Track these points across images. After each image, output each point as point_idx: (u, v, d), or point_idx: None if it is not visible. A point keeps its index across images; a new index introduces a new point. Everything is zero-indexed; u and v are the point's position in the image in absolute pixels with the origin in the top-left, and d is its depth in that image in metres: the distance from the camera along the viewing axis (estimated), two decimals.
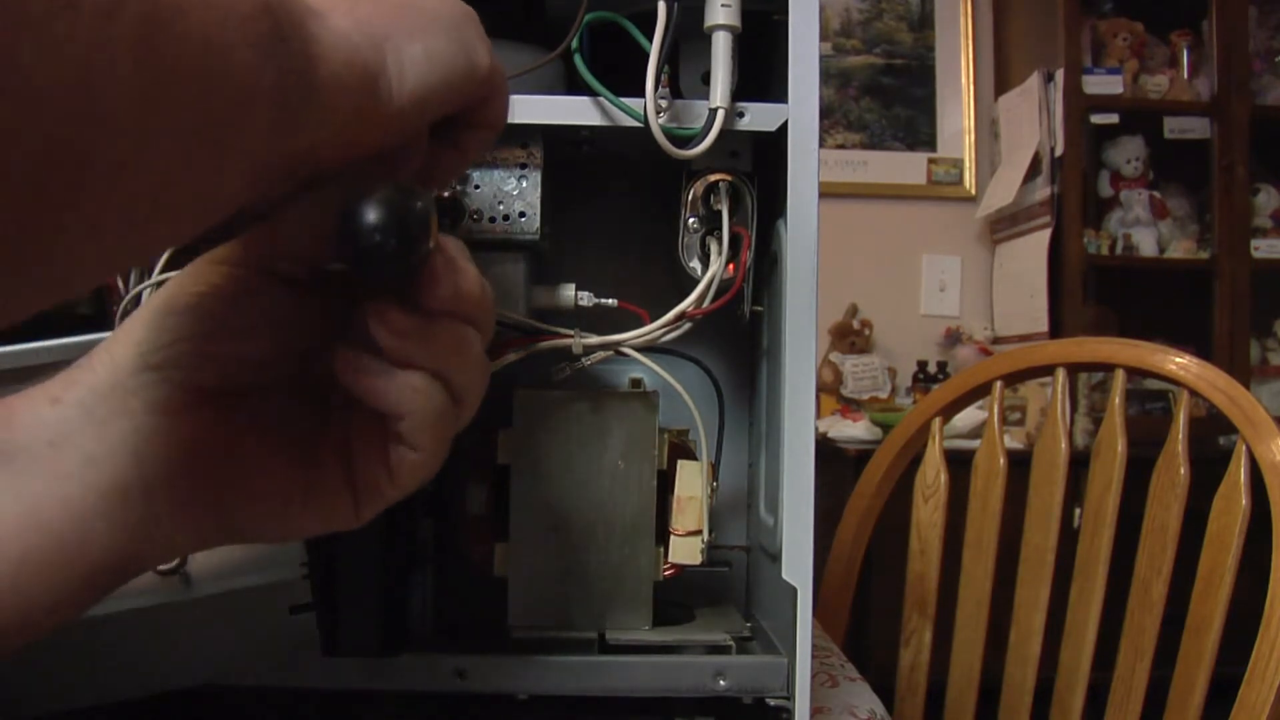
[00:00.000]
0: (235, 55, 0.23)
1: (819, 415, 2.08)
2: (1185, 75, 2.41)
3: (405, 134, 0.32)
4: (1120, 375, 0.95)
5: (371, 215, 0.27)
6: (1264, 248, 2.35)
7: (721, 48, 0.50)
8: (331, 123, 0.28)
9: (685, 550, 0.54)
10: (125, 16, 0.20)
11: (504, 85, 0.37)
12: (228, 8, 0.23)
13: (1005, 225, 2.55)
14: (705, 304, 0.53)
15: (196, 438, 0.32)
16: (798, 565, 0.50)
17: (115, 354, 0.32)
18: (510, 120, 0.51)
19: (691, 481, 0.54)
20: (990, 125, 2.64)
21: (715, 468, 0.57)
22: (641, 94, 0.48)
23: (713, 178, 0.54)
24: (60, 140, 0.19)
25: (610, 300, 0.56)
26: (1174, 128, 2.38)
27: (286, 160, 0.27)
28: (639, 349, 0.53)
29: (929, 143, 2.66)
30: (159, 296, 0.32)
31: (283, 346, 0.33)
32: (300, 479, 0.34)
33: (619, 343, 0.52)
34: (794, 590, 0.49)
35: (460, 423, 0.34)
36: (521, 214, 0.53)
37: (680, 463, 0.55)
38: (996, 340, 2.54)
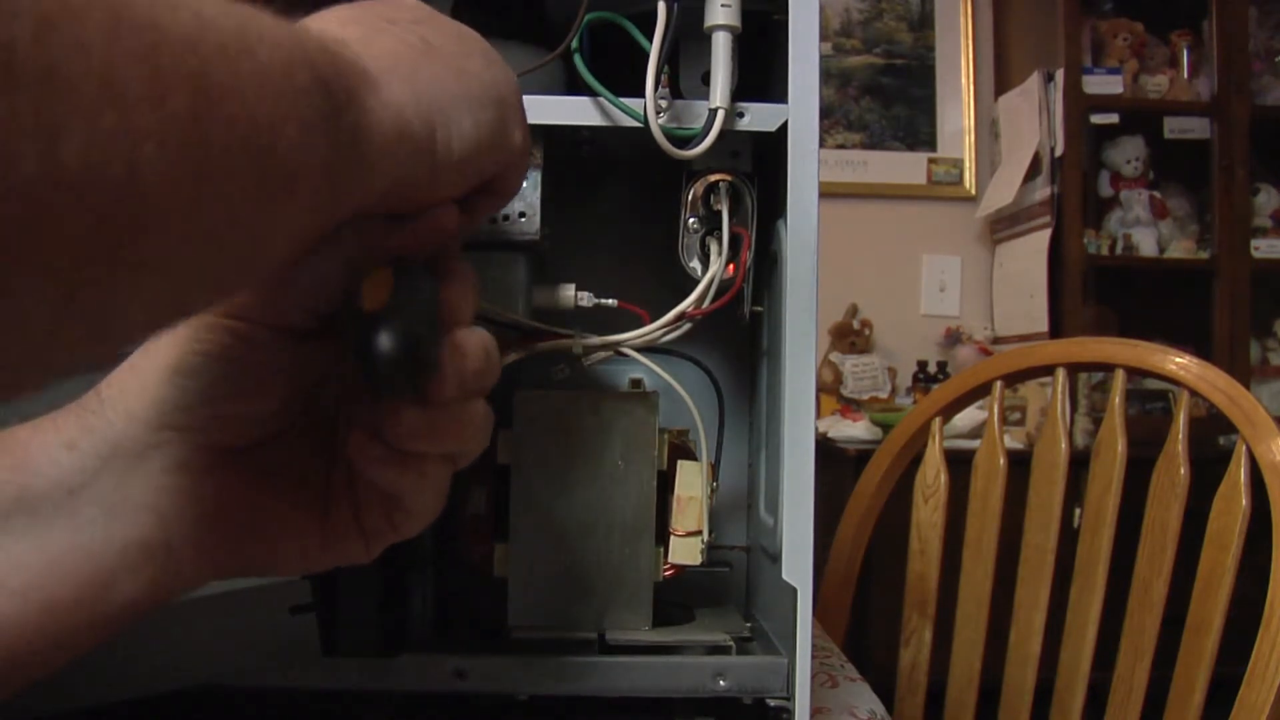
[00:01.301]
0: (285, 132, 0.23)
1: (819, 415, 2.08)
2: (1185, 75, 2.41)
3: (441, 199, 0.33)
4: (1120, 375, 0.95)
5: (386, 345, 0.28)
6: (1264, 248, 2.35)
7: (721, 48, 0.50)
8: (377, 191, 0.29)
9: (685, 550, 0.54)
10: (173, 106, 0.20)
11: (527, 157, 0.38)
12: (280, 85, 0.23)
13: (1005, 225, 2.55)
14: (705, 304, 0.53)
15: (217, 495, 0.32)
16: (798, 565, 0.50)
17: (132, 408, 0.32)
18: None
19: (691, 482, 0.54)
20: (990, 125, 2.64)
21: (715, 468, 0.57)
22: (641, 94, 0.48)
23: (713, 178, 0.54)
24: (106, 218, 0.19)
25: (610, 300, 0.56)
26: (1174, 128, 2.38)
27: (330, 224, 0.27)
28: (639, 349, 0.53)
29: (929, 143, 2.66)
30: (170, 352, 0.32)
31: (294, 393, 0.34)
32: (317, 525, 0.35)
33: (619, 343, 0.52)
34: (794, 590, 0.49)
35: (461, 467, 0.36)
36: (521, 214, 0.53)
37: (680, 463, 0.55)
38: (996, 340, 2.54)
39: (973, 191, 2.64)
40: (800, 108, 0.50)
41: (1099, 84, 2.34)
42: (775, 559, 0.53)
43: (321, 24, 0.31)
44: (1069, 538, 0.97)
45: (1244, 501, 0.83)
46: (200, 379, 0.32)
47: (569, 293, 0.56)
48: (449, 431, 0.32)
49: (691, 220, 0.55)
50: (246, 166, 0.22)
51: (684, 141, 0.50)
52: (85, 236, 0.19)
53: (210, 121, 0.21)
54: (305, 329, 0.33)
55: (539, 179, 0.53)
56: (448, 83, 0.32)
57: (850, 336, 2.52)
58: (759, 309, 0.58)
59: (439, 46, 0.33)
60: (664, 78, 0.49)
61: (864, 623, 1.87)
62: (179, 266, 0.22)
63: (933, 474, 1.05)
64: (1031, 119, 2.41)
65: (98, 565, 0.30)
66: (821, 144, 0.51)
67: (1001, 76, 2.63)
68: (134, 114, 0.19)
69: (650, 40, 0.49)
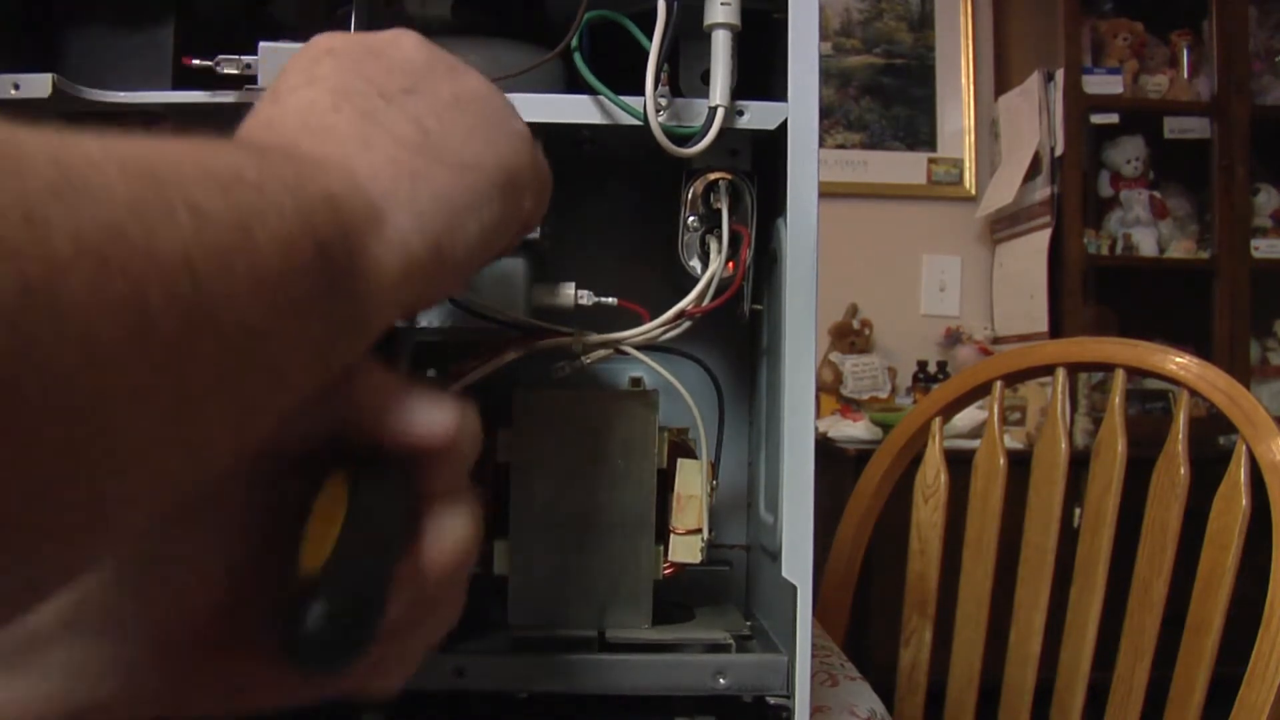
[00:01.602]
0: (279, 327, 0.23)
1: (819, 415, 2.08)
2: (1185, 75, 2.41)
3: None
4: (1120, 375, 0.95)
5: (313, 626, 0.24)
6: (1264, 248, 2.35)
7: (721, 46, 0.50)
8: (375, 336, 0.28)
9: (685, 549, 0.54)
10: (159, 336, 0.20)
11: (543, 206, 0.37)
12: (278, 275, 0.23)
13: (1005, 225, 2.55)
14: (705, 302, 0.53)
15: (180, 667, 0.29)
16: (798, 564, 0.50)
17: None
18: None
19: (691, 480, 0.54)
20: (990, 125, 2.64)
21: (715, 466, 0.57)
22: (641, 92, 0.48)
23: (712, 176, 0.54)
24: (86, 425, 0.19)
25: (610, 299, 0.56)
26: (1174, 128, 2.38)
27: (315, 389, 0.26)
28: (639, 348, 0.53)
29: (929, 143, 2.66)
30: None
31: (241, 554, 0.30)
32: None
33: (619, 341, 0.52)
34: (794, 589, 0.49)
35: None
36: None
37: (680, 461, 0.55)
38: (996, 340, 2.54)
39: (973, 191, 2.64)
40: (800, 106, 0.50)
41: (1099, 84, 2.34)
42: (775, 557, 0.53)
43: (310, 107, 0.30)
44: (1069, 538, 0.97)
45: (1244, 501, 0.83)
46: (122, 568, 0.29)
47: (569, 291, 0.56)
48: (407, 657, 0.31)
49: (691, 218, 0.55)
50: (233, 372, 0.22)
51: (684, 140, 0.50)
52: (64, 446, 0.18)
53: (198, 341, 0.20)
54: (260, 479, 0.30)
55: None
56: (452, 190, 0.30)
57: (850, 336, 2.52)
58: (759, 307, 0.58)
59: (438, 135, 0.31)
60: (664, 76, 0.49)
61: (864, 623, 1.87)
62: (164, 458, 0.21)
63: (933, 474, 1.05)
64: (1031, 119, 2.41)
65: (67, 709, 0.29)
66: (821, 144, 0.51)
67: (1001, 76, 2.63)
68: (111, 366, 0.19)
69: (650, 38, 0.49)
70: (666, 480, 0.55)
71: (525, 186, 0.35)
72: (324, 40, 0.33)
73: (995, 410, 1.03)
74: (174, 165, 0.21)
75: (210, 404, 0.22)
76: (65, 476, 0.19)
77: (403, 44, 0.33)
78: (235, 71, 0.49)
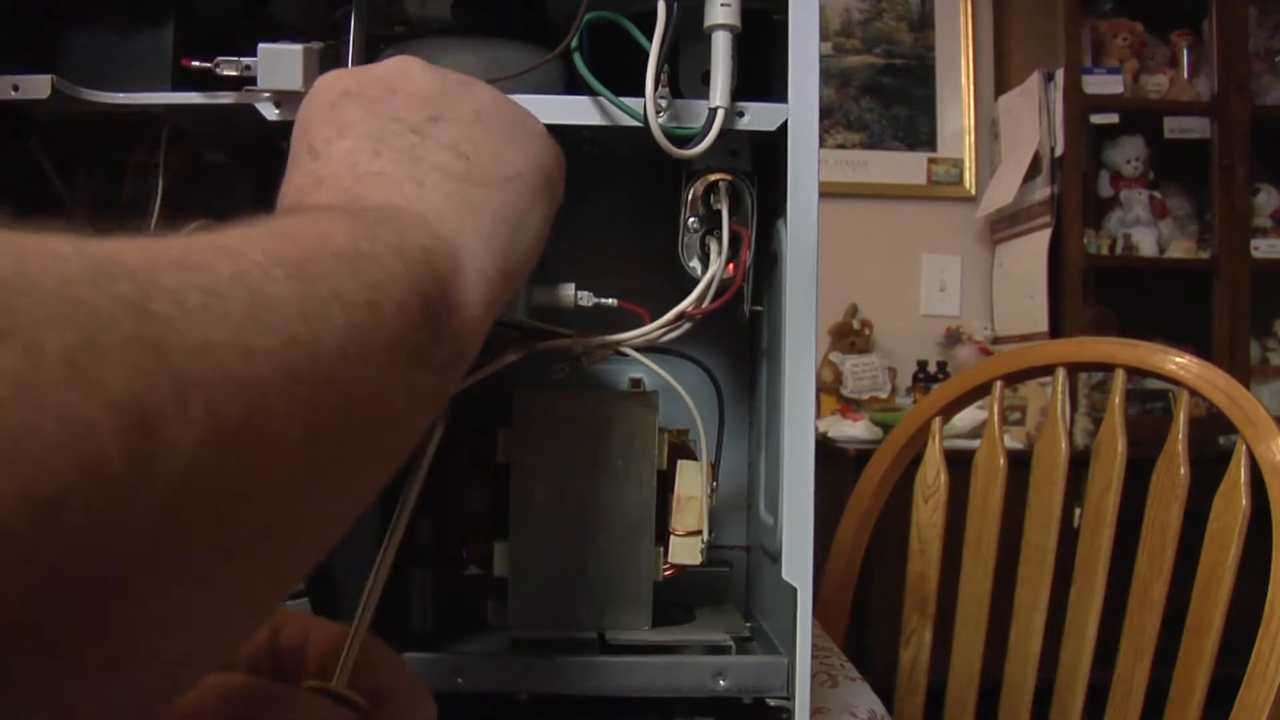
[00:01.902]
0: (404, 382, 0.24)
1: (819, 415, 2.08)
2: (1185, 75, 2.41)
3: None
4: (1120, 375, 0.95)
5: None
6: (1264, 248, 2.35)
7: (721, 47, 0.50)
8: (472, 360, 0.30)
9: (685, 550, 0.54)
10: (326, 425, 0.21)
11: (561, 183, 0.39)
12: (399, 341, 0.24)
13: (1005, 225, 2.55)
14: (705, 304, 0.53)
15: None
16: (798, 565, 0.50)
17: None
18: None
19: (691, 481, 0.54)
20: (990, 125, 2.64)
21: (715, 468, 0.57)
22: (641, 94, 0.48)
23: (712, 177, 0.54)
24: (271, 520, 0.21)
25: (610, 300, 0.56)
26: (1174, 128, 2.38)
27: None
28: (639, 349, 0.53)
29: (929, 143, 2.66)
30: None
31: None
32: None
33: (619, 342, 0.52)
34: (794, 590, 0.49)
35: None
36: None
37: (680, 463, 0.55)
38: (996, 340, 2.54)
39: (973, 191, 2.64)
40: (800, 107, 0.50)
41: (1099, 84, 2.34)
42: (775, 559, 0.53)
43: (353, 157, 0.31)
44: (1069, 538, 0.97)
45: (1244, 501, 0.83)
46: None
47: (569, 292, 0.56)
48: None
49: (691, 219, 0.55)
50: (375, 439, 0.24)
51: (684, 141, 0.50)
52: (210, 543, 0.20)
53: (352, 423, 0.22)
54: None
55: None
56: (506, 207, 0.32)
57: (850, 336, 2.52)
58: (759, 308, 0.58)
59: (476, 157, 0.33)
60: (664, 77, 0.49)
61: (864, 623, 1.87)
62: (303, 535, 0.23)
63: (933, 474, 1.05)
64: (1031, 119, 2.41)
65: None
66: (821, 144, 0.51)
67: (1001, 76, 2.63)
68: (292, 464, 0.21)
69: (650, 39, 0.49)
70: (666, 481, 0.55)
71: (558, 174, 0.37)
72: (334, 82, 0.34)
73: (995, 410, 1.03)
74: (315, 254, 0.23)
75: (363, 473, 0.24)
76: (263, 560, 0.21)
77: (411, 74, 0.34)
78: (235, 73, 0.49)
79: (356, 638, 0.33)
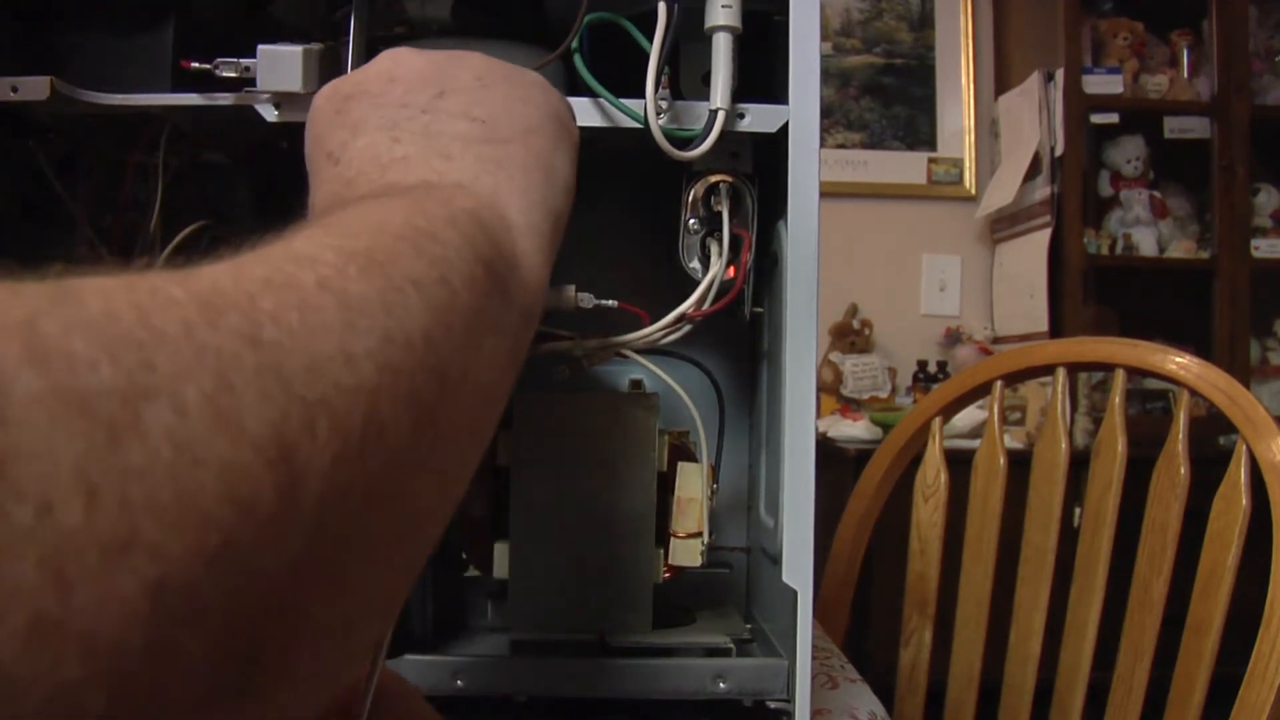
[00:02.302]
0: (485, 352, 0.25)
1: (819, 415, 2.07)
2: (1185, 75, 2.41)
3: None
4: (1120, 375, 0.95)
5: None
6: (1264, 248, 2.35)
7: (722, 49, 0.50)
8: (541, 315, 0.30)
9: (685, 552, 0.54)
10: (428, 410, 0.22)
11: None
12: (474, 314, 0.24)
13: (1005, 225, 2.55)
14: (706, 305, 0.52)
15: None
16: (798, 568, 0.50)
17: None
18: None
19: (691, 483, 0.54)
20: (990, 125, 2.64)
21: (715, 469, 0.57)
22: (642, 95, 0.48)
23: (713, 179, 0.54)
24: (396, 516, 0.21)
25: (610, 302, 0.56)
26: (1174, 128, 2.38)
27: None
28: (639, 350, 0.52)
29: (929, 142, 2.66)
30: None
31: None
32: None
33: (619, 344, 0.52)
34: (794, 593, 0.49)
35: None
36: None
37: (680, 464, 0.55)
38: (996, 340, 2.54)
39: (973, 191, 2.64)
40: (801, 108, 0.50)
41: (1099, 84, 2.34)
42: (775, 561, 0.53)
43: (373, 151, 0.31)
44: (1069, 538, 0.97)
45: (1244, 501, 0.83)
46: None
47: (569, 293, 0.56)
48: None
49: (692, 221, 0.55)
50: (469, 416, 0.24)
51: (684, 142, 0.49)
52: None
53: (447, 404, 0.23)
54: None
55: None
56: (532, 158, 0.33)
57: (850, 336, 2.52)
58: (759, 310, 0.58)
59: (491, 119, 0.33)
60: (664, 79, 0.49)
61: (864, 623, 1.87)
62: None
63: (933, 474, 1.05)
64: (1031, 119, 2.41)
65: None
66: (821, 144, 0.51)
67: (1001, 76, 2.63)
68: (408, 458, 0.21)
69: (650, 41, 0.48)
70: (666, 483, 0.55)
71: (571, 122, 0.37)
72: (334, 89, 0.34)
73: (995, 410, 1.03)
74: (377, 243, 0.23)
75: (466, 451, 0.24)
76: (396, 557, 0.21)
77: (405, 61, 0.35)
78: (234, 74, 0.49)
79: (375, 671, 0.33)
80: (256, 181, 0.61)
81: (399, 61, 0.35)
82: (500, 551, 0.55)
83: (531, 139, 0.34)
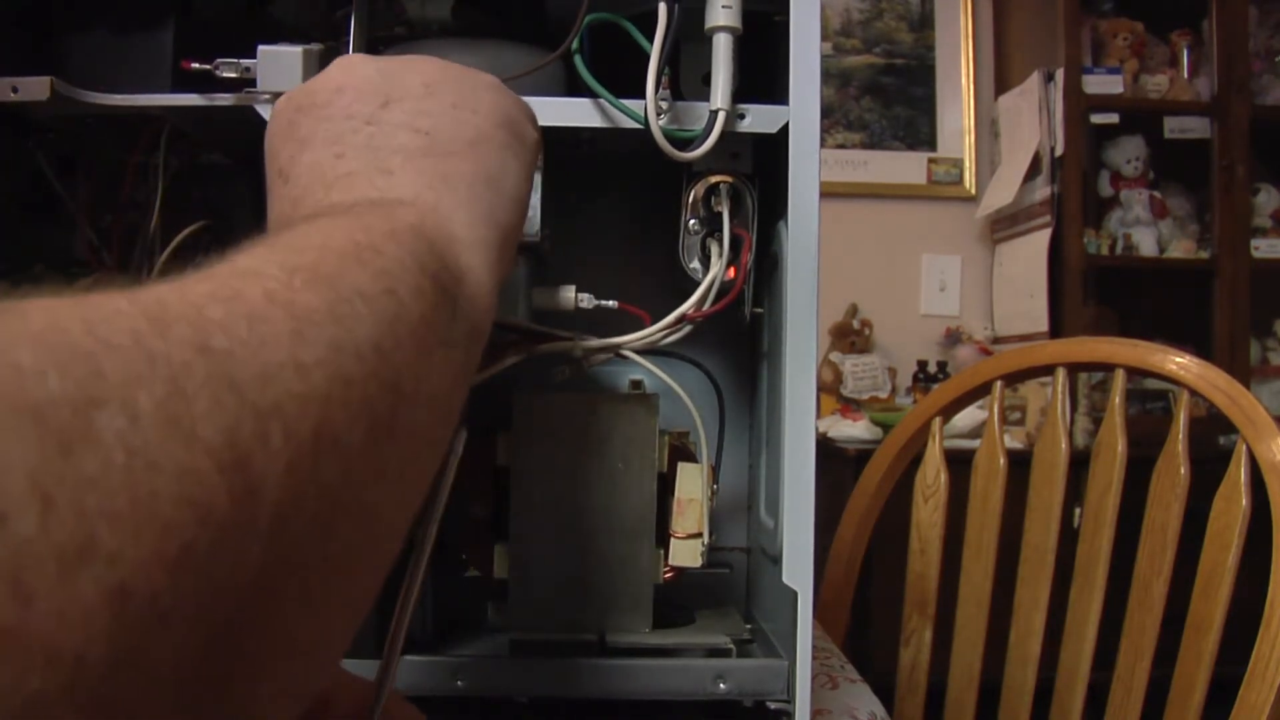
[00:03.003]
0: (436, 365, 0.25)
1: (819, 415, 2.07)
2: (1185, 75, 2.41)
3: None
4: (1120, 375, 0.95)
5: None
6: (1264, 248, 2.35)
7: (722, 49, 0.50)
8: (490, 328, 0.30)
9: (685, 553, 0.54)
10: (381, 419, 0.22)
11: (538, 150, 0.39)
12: (423, 325, 0.24)
13: (1005, 225, 2.55)
14: (706, 306, 0.52)
15: None
16: (798, 568, 0.50)
17: None
18: None
19: (692, 484, 0.54)
20: (990, 125, 2.64)
21: (715, 470, 0.57)
22: (642, 95, 0.48)
23: (713, 179, 0.54)
24: (356, 524, 0.21)
25: (611, 302, 0.56)
26: (1174, 128, 2.38)
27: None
28: (639, 351, 0.52)
29: (929, 143, 2.66)
30: None
31: None
32: None
33: (619, 345, 0.52)
34: (794, 594, 0.49)
35: None
36: None
37: (680, 465, 0.55)
38: (996, 340, 2.54)
39: (973, 191, 2.64)
40: (801, 109, 0.50)
41: (1099, 84, 2.34)
42: (775, 561, 0.53)
43: (318, 168, 0.31)
44: (1069, 538, 0.97)
45: (1244, 501, 0.83)
46: None
47: (569, 294, 0.56)
48: None
49: (692, 222, 0.55)
50: (423, 426, 0.24)
51: (685, 143, 0.49)
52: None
53: (400, 413, 0.23)
54: None
55: (539, 180, 0.53)
56: (478, 169, 0.32)
57: (850, 336, 2.52)
58: (759, 310, 0.58)
59: (435, 130, 0.33)
60: (665, 79, 0.49)
61: (864, 623, 1.86)
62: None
63: (933, 474, 1.05)
64: (1031, 119, 2.41)
65: None
66: (821, 144, 0.51)
67: (1001, 76, 2.63)
68: (362, 467, 0.21)
69: (651, 41, 0.48)
70: (667, 484, 0.55)
71: (523, 122, 0.36)
72: (287, 102, 0.34)
73: (995, 410, 1.03)
74: (322, 258, 0.23)
75: (420, 461, 0.24)
76: (353, 567, 0.21)
77: (354, 69, 0.34)
78: (234, 75, 0.49)
79: (384, 691, 0.32)
80: (256, 181, 0.61)
81: (348, 70, 0.34)
82: (500, 552, 0.55)
83: (478, 150, 0.33)
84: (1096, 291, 2.30)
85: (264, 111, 0.49)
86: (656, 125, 0.48)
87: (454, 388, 0.27)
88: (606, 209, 0.67)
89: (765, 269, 0.58)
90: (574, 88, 0.52)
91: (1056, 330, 2.30)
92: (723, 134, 0.49)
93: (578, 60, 0.50)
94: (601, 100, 0.50)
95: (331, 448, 0.19)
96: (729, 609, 0.63)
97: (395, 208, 0.29)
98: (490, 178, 0.33)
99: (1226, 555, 0.83)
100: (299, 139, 0.33)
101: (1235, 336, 2.30)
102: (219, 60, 0.49)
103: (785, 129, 0.50)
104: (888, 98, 2.66)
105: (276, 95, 0.49)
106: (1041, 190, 2.38)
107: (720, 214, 0.54)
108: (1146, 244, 2.38)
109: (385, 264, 0.24)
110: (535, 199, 0.53)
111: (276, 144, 0.34)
